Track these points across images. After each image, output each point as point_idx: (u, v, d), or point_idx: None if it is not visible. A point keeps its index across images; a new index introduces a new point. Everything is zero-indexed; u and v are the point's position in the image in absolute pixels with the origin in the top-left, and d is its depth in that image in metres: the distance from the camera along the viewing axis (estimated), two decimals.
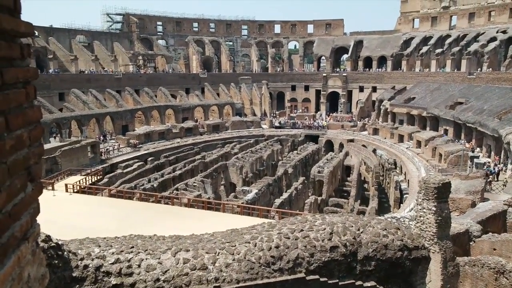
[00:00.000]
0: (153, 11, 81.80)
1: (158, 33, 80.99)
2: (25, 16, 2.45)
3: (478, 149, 42.35)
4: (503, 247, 16.23)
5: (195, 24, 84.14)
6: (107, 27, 77.96)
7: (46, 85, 52.52)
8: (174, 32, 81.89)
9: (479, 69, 59.69)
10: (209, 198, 30.05)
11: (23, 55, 2.49)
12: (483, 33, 63.80)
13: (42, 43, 60.03)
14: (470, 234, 17.19)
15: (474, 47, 61.73)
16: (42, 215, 2.71)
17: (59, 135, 45.45)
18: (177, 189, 33.34)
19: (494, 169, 34.73)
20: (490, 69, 57.66)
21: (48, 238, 8.88)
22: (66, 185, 27.19)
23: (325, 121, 66.85)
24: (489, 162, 37.84)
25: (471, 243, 17.10)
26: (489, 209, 19.83)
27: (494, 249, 16.39)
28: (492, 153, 39.26)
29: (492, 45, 59.86)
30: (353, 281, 13.64)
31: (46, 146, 34.93)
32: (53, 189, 26.07)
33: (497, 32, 62.03)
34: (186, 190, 33.00)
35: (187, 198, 27.37)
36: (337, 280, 13.45)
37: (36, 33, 59.15)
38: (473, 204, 22.31)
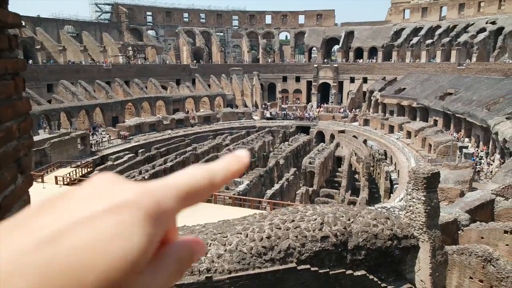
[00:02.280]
0: (143, 1, 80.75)
1: (148, 24, 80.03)
2: (11, 6, 2.42)
3: (466, 139, 42.87)
4: (491, 235, 16.54)
5: (186, 15, 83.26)
6: (96, 17, 76.76)
7: (34, 76, 51.71)
8: (164, 23, 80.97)
9: (468, 60, 60.14)
10: None
11: (11, 46, 2.47)
12: (472, 24, 64.16)
13: (30, 34, 58.95)
14: (459, 223, 17.48)
15: (463, 38, 62.10)
16: None
17: (48, 127, 44.94)
18: None
19: (481, 161, 35.32)
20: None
21: None
22: (56, 177, 27.03)
23: (316, 112, 66.99)
24: (477, 151, 38.40)
25: (459, 232, 17.40)
26: (477, 198, 20.15)
27: (482, 238, 16.70)
28: (481, 143, 39.79)
29: (481, 36, 60.28)
30: (344, 270, 13.84)
31: (35, 138, 34.54)
32: (42, 181, 25.90)
33: (486, 23, 62.43)
34: None
35: None
36: (328, 270, 13.63)
37: (23, 23, 58.10)
38: (462, 194, 22.65)
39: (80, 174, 32.01)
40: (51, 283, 0.35)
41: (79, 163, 35.35)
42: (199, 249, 0.50)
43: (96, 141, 44.75)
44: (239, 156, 0.55)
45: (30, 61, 54.72)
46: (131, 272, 0.39)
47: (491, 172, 33.24)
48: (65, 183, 27.24)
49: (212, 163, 0.53)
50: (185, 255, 0.48)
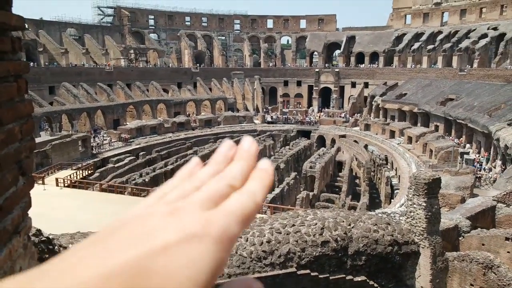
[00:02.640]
0: (145, 5, 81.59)
1: (150, 27, 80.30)
2: (15, 9, 2.42)
3: (468, 145, 42.82)
4: (492, 242, 16.47)
5: (187, 18, 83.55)
6: (98, 20, 77.07)
7: (36, 78, 51.88)
8: (166, 26, 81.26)
9: (469, 65, 60.18)
10: None
11: (15, 48, 2.47)
12: (474, 30, 64.26)
13: (32, 36, 59.20)
14: (459, 229, 17.42)
15: (465, 43, 62.18)
16: (33, 209, 2.70)
17: (49, 129, 45.00)
18: None
19: (481, 167, 35.27)
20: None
21: (39, 232, 8.84)
22: (56, 179, 27.02)
23: (317, 116, 67.00)
24: (478, 158, 38.35)
25: (460, 238, 17.34)
26: (478, 204, 20.09)
27: (483, 244, 16.63)
28: (482, 149, 39.73)
29: (483, 42, 60.35)
30: (344, 275, 13.77)
31: (37, 140, 34.42)
32: (43, 183, 25.88)
33: (488, 28, 62.53)
34: None
35: None
36: (328, 275, 13.57)
37: (26, 26, 58.32)
38: (463, 200, 22.59)
39: (81, 176, 32.01)
40: None
41: (80, 165, 35.37)
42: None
43: (97, 144, 44.79)
44: (268, 171, 0.60)
45: (32, 63, 54.86)
46: None
47: (491, 178, 33.20)
48: (66, 185, 27.23)
49: (249, 183, 0.57)
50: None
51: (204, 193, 0.54)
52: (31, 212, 2.66)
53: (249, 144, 0.63)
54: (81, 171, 33.49)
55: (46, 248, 9.27)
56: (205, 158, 43.23)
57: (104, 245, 0.44)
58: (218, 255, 0.47)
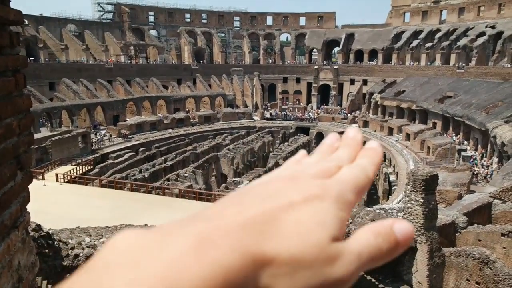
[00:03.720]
0: (145, 1, 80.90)
1: (150, 24, 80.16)
2: (14, 4, 2.46)
3: (465, 142, 42.97)
4: (488, 238, 16.59)
5: (187, 15, 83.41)
6: (98, 16, 76.89)
7: (36, 74, 51.83)
8: (166, 23, 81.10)
9: (467, 63, 60.24)
10: (200, 189, 30.14)
11: (13, 43, 2.50)
12: (472, 28, 64.25)
13: (32, 32, 59.09)
14: (456, 225, 17.53)
15: (463, 41, 62.20)
16: (33, 205, 2.73)
17: (49, 124, 45.02)
18: (168, 179, 33.36)
19: (477, 163, 35.42)
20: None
21: (38, 227, 8.91)
22: (56, 174, 27.07)
23: (316, 113, 67.05)
24: (475, 155, 38.47)
25: (457, 234, 17.45)
26: (475, 201, 20.19)
27: (479, 240, 16.74)
28: (479, 146, 39.86)
29: (481, 40, 60.37)
30: None
31: (36, 136, 34.63)
32: (43, 178, 25.94)
33: (486, 27, 62.51)
34: (177, 181, 33.06)
35: (178, 188, 27.43)
36: None
37: (26, 22, 58.23)
38: (460, 196, 22.70)
39: (81, 172, 32.08)
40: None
41: (79, 161, 35.42)
42: (398, 223, 0.53)
43: (97, 139, 44.84)
44: (377, 149, 0.63)
45: (33, 58, 54.82)
46: (330, 241, 0.48)
47: (486, 174, 33.38)
48: (66, 180, 27.30)
49: (358, 159, 0.61)
50: (382, 229, 0.52)
51: (316, 169, 0.58)
52: (30, 208, 2.70)
53: (354, 132, 0.66)
54: (81, 167, 33.55)
55: (46, 243, 9.35)
56: (204, 154, 43.30)
57: (236, 203, 0.49)
58: (338, 212, 0.50)
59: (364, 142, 0.56)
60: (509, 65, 54.40)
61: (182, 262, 0.41)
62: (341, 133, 0.52)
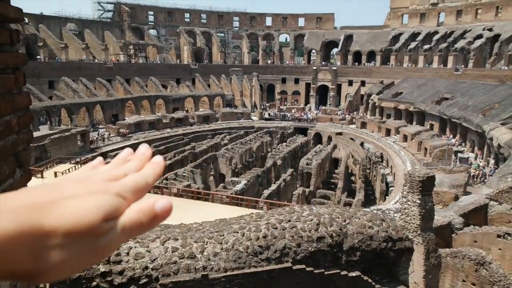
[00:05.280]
0: (145, 1, 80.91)
1: (150, 23, 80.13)
2: (14, 2, 2.48)
3: (462, 144, 43.12)
4: (484, 239, 16.66)
5: (187, 15, 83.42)
6: (98, 15, 76.81)
7: (36, 72, 51.71)
8: (165, 22, 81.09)
9: (464, 66, 60.47)
10: (198, 188, 30.15)
11: (13, 40, 2.51)
12: (469, 30, 64.49)
13: (32, 31, 59.00)
14: (453, 226, 17.60)
15: (460, 44, 62.43)
16: None
17: (48, 123, 44.96)
18: (166, 178, 33.32)
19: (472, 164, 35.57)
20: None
21: None
22: (55, 173, 27.05)
23: (314, 114, 67.14)
24: (470, 158, 38.62)
25: (453, 235, 17.52)
26: (471, 202, 20.26)
27: (475, 241, 16.81)
28: (476, 148, 40.00)
29: (478, 42, 60.62)
30: (339, 270, 13.92)
31: (36, 134, 34.58)
32: (42, 177, 25.91)
33: (483, 29, 62.77)
34: (175, 180, 33.06)
35: (176, 188, 27.45)
36: (323, 270, 13.71)
37: (26, 20, 58.17)
38: (456, 198, 22.76)
39: None
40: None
41: (78, 160, 35.37)
42: (158, 201, 0.68)
43: (96, 138, 44.79)
44: (159, 163, 0.80)
45: (38, 56, 54.74)
46: (103, 221, 0.62)
47: (480, 176, 33.50)
48: None
49: (144, 169, 0.76)
50: (144, 206, 0.67)
51: (104, 175, 0.72)
52: None
53: (144, 149, 0.82)
54: (79, 165, 33.46)
55: None
56: (202, 153, 43.32)
57: (27, 193, 0.63)
58: (114, 202, 0.64)
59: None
60: (506, 68, 54.66)
61: None
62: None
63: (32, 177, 2.98)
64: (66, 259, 0.59)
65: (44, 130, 41.77)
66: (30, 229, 0.55)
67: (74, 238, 0.58)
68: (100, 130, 48.69)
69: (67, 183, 0.67)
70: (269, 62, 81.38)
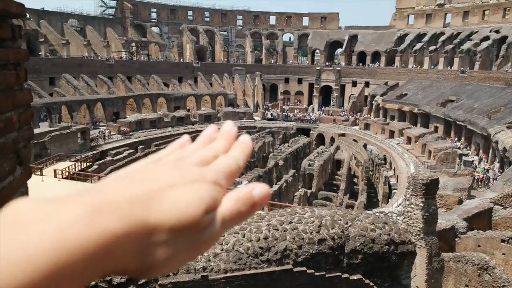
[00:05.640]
0: None
1: (152, 20, 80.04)
2: None
3: (467, 147, 42.90)
4: (488, 244, 16.51)
5: (190, 13, 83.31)
6: (100, 12, 76.81)
7: (37, 69, 51.69)
8: (168, 20, 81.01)
9: (470, 68, 60.14)
10: None
11: (14, 36, 2.43)
12: (476, 32, 64.17)
13: (34, 26, 58.96)
14: (456, 230, 17.46)
15: (467, 45, 62.10)
16: None
17: (49, 120, 44.91)
18: None
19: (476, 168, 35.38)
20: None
21: None
22: (55, 170, 26.99)
23: (316, 114, 67.00)
24: (474, 161, 38.41)
25: (456, 239, 17.38)
26: (475, 206, 20.13)
27: (479, 246, 16.67)
28: (481, 151, 39.79)
29: (484, 44, 60.28)
30: (340, 273, 13.79)
31: (36, 131, 34.47)
32: (41, 174, 25.88)
33: (490, 31, 62.44)
34: None
35: None
36: (324, 272, 13.59)
37: (28, 16, 58.16)
38: (460, 201, 22.63)
39: (80, 168, 31.98)
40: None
41: (78, 157, 35.29)
42: (256, 188, 0.65)
43: (97, 136, 44.71)
44: (248, 142, 0.75)
45: (40, 52, 54.69)
46: (204, 213, 0.59)
47: (483, 180, 33.33)
48: (64, 176, 27.20)
49: (231, 150, 0.73)
50: (242, 194, 0.64)
51: (195, 157, 0.69)
52: None
53: (230, 126, 0.78)
54: (79, 163, 33.43)
55: None
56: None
57: (125, 181, 0.59)
58: (212, 192, 0.61)
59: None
60: None
61: (73, 225, 0.48)
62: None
63: (32, 175, 2.90)
64: (170, 256, 0.57)
65: (44, 127, 41.74)
66: (136, 227, 0.53)
67: (178, 233, 0.56)
68: (100, 128, 48.57)
69: (161, 168, 0.64)
70: (272, 61, 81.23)
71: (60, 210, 0.50)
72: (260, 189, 0.65)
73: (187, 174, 0.62)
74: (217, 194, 0.62)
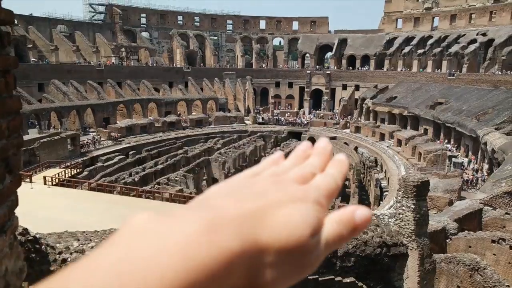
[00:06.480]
0: (137, 3, 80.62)
1: (142, 25, 79.76)
2: (3, 3, 2.37)
3: (456, 148, 43.37)
4: (478, 244, 16.67)
5: (180, 17, 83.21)
6: (89, 17, 76.34)
7: (25, 75, 51.09)
8: (158, 25, 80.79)
9: (458, 70, 60.90)
10: (191, 193, 29.92)
11: (3, 43, 2.41)
12: (463, 35, 65.06)
13: (22, 32, 58.37)
14: (447, 231, 17.60)
15: (454, 48, 62.92)
16: (19, 208, 2.64)
17: (38, 126, 44.41)
18: (158, 183, 33.07)
19: (472, 172, 35.74)
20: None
21: (25, 231, 8.68)
22: (44, 177, 26.67)
23: (308, 118, 67.23)
24: (464, 162, 38.82)
25: (447, 240, 17.52)
26: (465, 207, 20.32)
27: (470, 247, 16.82)
28: (470, 152, 40.24)
29: (472, 47, 61.13)
30: (333, 276, 13.81)
31: (25, 138, 33.95)
32: (31, 181, 25.54)
33: (477, 34, 63.34)
34: (167, 185, 32.79)
35: (169, 192, 27.20)
36: (317, 276, 13.59)
37: (15, 22, 57.59)
38: (451, 203, 22.83)
39: (70, 175, 31.66)
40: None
41: (68, 164, 34.92)
42: (357, 211, 0.62)
43: (87, 142, 44.31)
44: (344, 161, 0.72)
45: (32, 59, 54.11)
46: (311, 236, 0.56)
47: (472, 181, 33.69)
48: (54, 183, 26.89)
49: (328, 169, 0.70)
50: (344, 216, 0.61)
51: (293, 174, 0.66)
52: (17, 211, 2.61)
53: (325, 143, 0.75)
54: (69, 170, 33.08)
55: (33, 247, 9.12)
56: (195, 158, 43.09)
57: (231, 196, 0.58)
58: (317, 213, 0.59)
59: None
60: (499, 73, 55.08)
61: (196, 240, 0.48)
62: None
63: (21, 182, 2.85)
64: (276, 279, 0.54)
65: (33, 133, 41.24)
66: (250, 246, 0.51)
67: (285, 255, 0.54)
68: (91, 133, 48.16)
69: (262, 183, 0.62)
70: (262, 65, 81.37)
71: (180, 224, 0.50)
72: (362, 212, 0.62)
73: (291, 192, 0.60)
74: (320, 215, 0.60)
